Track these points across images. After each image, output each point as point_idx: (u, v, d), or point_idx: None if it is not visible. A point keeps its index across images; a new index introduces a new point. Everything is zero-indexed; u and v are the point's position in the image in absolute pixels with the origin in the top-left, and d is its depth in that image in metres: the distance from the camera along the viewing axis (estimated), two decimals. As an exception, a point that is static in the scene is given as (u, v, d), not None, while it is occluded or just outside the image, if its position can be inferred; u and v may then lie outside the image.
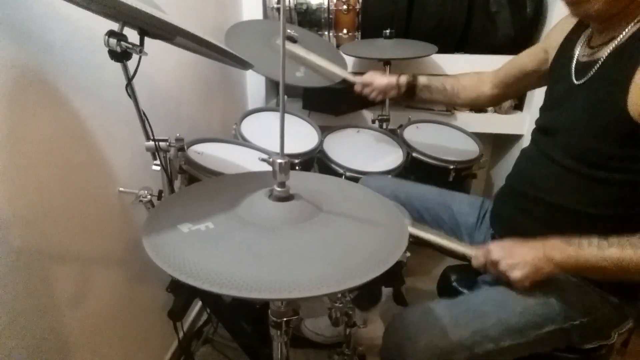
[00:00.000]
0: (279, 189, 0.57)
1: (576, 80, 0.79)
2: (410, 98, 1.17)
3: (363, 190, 0.73)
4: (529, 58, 0.99)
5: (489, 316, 0.76)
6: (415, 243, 1.07)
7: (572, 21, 0.86)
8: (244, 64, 0.81)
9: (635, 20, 0.70)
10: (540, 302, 0.76)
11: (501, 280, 0.77)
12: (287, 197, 0.58)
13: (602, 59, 0.73)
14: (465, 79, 1.12)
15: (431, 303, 0.81)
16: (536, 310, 0.76)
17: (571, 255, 0.71)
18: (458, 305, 0.80)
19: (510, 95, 1.13)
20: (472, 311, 0.77)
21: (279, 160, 0.55)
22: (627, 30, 0.71)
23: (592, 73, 0.75)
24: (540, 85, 0.98)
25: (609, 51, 0.73)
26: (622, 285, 0.78)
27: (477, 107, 1.66)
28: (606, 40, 0.74)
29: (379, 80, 1.16)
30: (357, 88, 1.21)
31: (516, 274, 0.73)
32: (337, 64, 1.29)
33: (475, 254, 0.81)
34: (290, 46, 1.28)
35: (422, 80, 1.14)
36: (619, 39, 0.72)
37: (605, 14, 0.72)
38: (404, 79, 1.14)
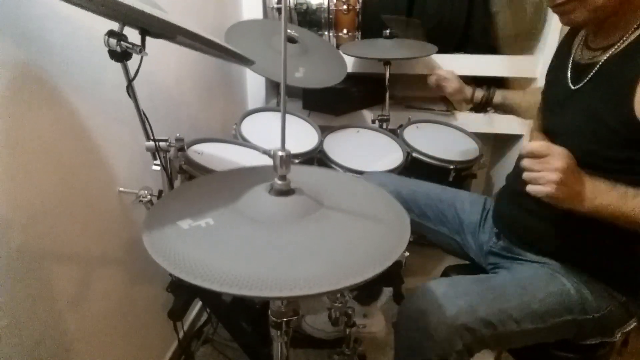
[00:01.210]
0: (279, 182, 0.57)
1: (573, 84, 0.79)
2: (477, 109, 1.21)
3: (365, 185, 0.73)
4: None
5: (512, 297, 0.76)
6: (419, 239, 1.08)
7: None
8: (246, 61, 0.81)
9: (635, 26, 0.70)
10: (560, 290, 0.77)
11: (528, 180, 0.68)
12: (287, 191, 0.58)
13: (600, 63, 0.74)
14: (534, 96, 1.07)
15: (455, 278, 0.82)
16: (556, 298, 0.77)
17: (611, 203, 0.66)
18: (482, 282, 0.81)
19: None
20: (496, 291, 0.78)
21: (280, 153, 0.55)
22: (627, 35, 0.71)
23: (589, 77, 0.75)
24: None
25: (607, 56, 0.73)
26: (630, 283, 0.78)
27: None
28: (605, 45, 0.74)
29: (452, 84, 1.20)
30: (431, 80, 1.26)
31: (553, 191, 0.65)
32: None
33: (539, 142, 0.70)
34: None
35: (498, 99, 1.14)
36: (618, 44, 0.72)
37: (592, 22, 0.73)
38: (479, 94, 1.16)
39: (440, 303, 0.75)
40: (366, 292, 1.31)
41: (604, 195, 0.67)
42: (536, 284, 0.78)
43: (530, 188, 0.67)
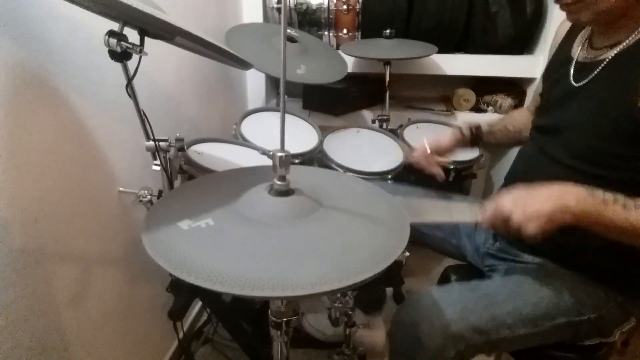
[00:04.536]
0: (279, 182, 0.57)
1: (576, 81, 0.79)
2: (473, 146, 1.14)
3: (365, 185, 0.73)
4: None
5: (504, 304, 0.76)
6: (416, 243, 1.08)
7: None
8: (244, 64, 0.81)
9: None
10: (553, 294, 0.77)
11: (513, 234, 0.70)
12: (287, 192, 0.58)
13: (606, 61, 0.74)
14: (519, 117, 1.07)
15: (448, 286, 0.82)
16: (549, 301, 0.76)
17: (592, 209, 0.65)
18: (474, 290, 0.80)
19: None
20: (488, 297, 0.78)
21: (279, 154, 0.55)
22: (635, 34, 0.71)
23: (594, 74, 0.75)
24: None
25: (613, 54, 0.73)
26: (627, 283, 0.78)
27: None
28: (611, 43, 0.74)
29: (446, 145, 1.10)
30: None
31: (531, 228, 0.65)
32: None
33: (483, 213, 0.74)
34: None
35: (485, 129, 1.09)
36: (625, 43, 0.72)
37: (599, 22, 0.73)
38: (467, 133, 1.09)
39: (432, 312, 0.75)
40: (370, 300, 1.30)
41: (581, 193, 0.66)
42: (529, 287, 0.78)
43: (529, 241, 0.68)
